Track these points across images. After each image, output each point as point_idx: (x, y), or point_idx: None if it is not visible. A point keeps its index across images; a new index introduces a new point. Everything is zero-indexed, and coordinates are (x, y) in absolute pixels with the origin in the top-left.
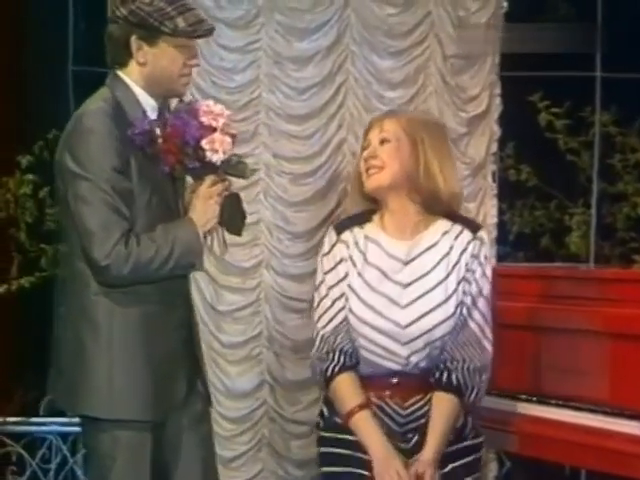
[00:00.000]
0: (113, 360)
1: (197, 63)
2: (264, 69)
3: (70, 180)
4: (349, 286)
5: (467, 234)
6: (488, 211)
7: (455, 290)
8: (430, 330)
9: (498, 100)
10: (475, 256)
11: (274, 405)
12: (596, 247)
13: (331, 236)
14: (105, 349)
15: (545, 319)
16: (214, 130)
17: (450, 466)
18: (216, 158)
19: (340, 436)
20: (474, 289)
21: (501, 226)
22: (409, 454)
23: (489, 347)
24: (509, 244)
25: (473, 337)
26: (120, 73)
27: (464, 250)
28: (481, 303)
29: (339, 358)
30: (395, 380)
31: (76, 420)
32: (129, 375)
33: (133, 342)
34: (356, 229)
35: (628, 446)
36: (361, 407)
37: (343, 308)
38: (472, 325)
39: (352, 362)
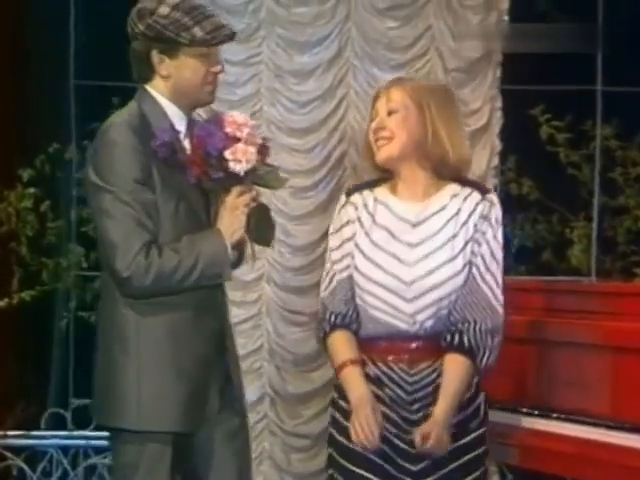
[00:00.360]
0: (141, 372)
1: (221, 69)
2: (265, 82)
3: (93, 193)
4: (356, 245)
5: (476, 195)
6: None
7: (462, 249)
8: (435, 287)
9: (499, 114)
10: (484, 217)
11: (275, 418)
12: (597, 261)
13: (341, 200)
14: (133, 361)
15: (546, 332)
16: (238, 140)
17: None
18: (239, 168)
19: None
20: (485, 250)
21: (502, 239)
22: (415, 425)
23: (500, 309)
24: (510, 257)
25: (484, 299)
26: (147, 87)
27: (473, 211)
28: (493, 265)
29: (334, 318)
30: (403, 344)
31: (77, 434)
32: (157, 387)
33: (160, 354)
34: (366, 192)
35: (629, 459)
36: (352, 362)
37: (343, 270)
38: (483, 287)
39: (346, 322)
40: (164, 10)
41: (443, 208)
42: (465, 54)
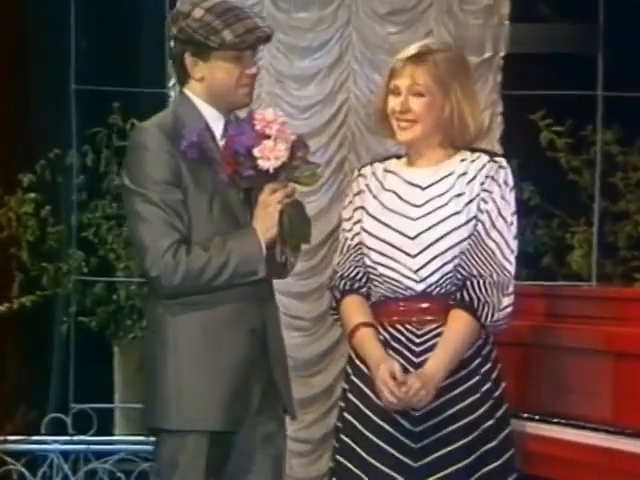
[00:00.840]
0: (179, 372)
1: (255, 72)
2: (265, 87)
3: (126, 196)
4: (363, 208)
5: (484, 158)
6: None
7: (467, 204)
8: (438, 240)
9: (500, 119)
10: (491, 177)
11: None
12: (598, 266)
13: (353, 175)
14: (172, 361)
15: (547, 337)
16: (267, 138)
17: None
18: (268, 165)
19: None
20: (492, 208)
21: None
22: None
23: (508, 266)
24: None
25: (491, 255)
26: (184, 90)
27: (480, 170)
28: (499, 222)
29: (343, 284)
30: (411, 304)
31: (77, 439)
32: (195, 386)
33: (197, 354)
34: (377, 164)
35: (632, 465)
36: (365, 325)
37: (353, 236)
38: (490, 243)
39: (355, 287)
40: (197, 13)
41: (452, 172)
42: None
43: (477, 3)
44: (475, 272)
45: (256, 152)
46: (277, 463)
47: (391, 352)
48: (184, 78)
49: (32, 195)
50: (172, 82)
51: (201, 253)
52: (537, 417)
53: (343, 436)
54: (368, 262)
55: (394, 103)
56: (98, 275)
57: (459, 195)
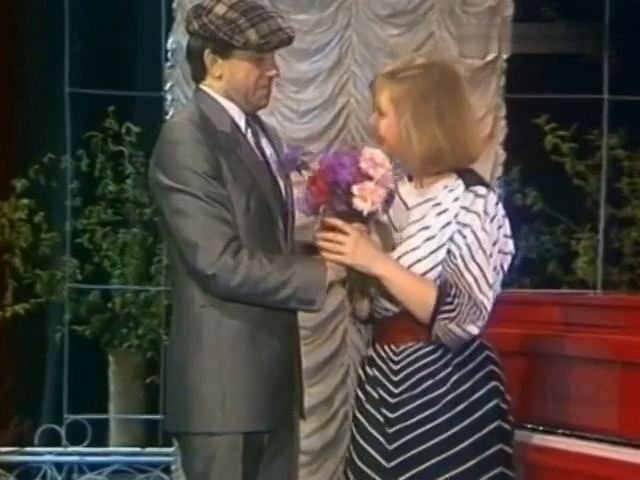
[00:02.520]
0: (222, 373)
1: (276, 74)
2: None
3: (163, 195)
4: None
5: (461, 187)
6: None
7: (435, 235)
8: (410, 266)
9: (503, 123)
10: (466, 208)
11: None
12: (604, 273)
13: None
14: (214, 362)
15: (551, 346)
16: (369, 179)
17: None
18: (363, 207)
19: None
20: (472, 240)
21: None
22: (395, 409)
23: (486, 301)
24: (514, 270)
25: (468, 290)
26: (202, 86)
27: (454, 202)
28: (479, 256)
29: None
30: (389, 323)
31: (71, 450)
32: (240, 386)
33: (242, 353)
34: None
35: (637, 477)
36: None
37: None
38: (468, 277)
39: None
40: (220, 9)
41: (432, 198)
42: (468, 62)
43: (480, 5)
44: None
45: (355, 190)
46: (292, 464)
47: (372, 369)
48: (201, 75)
49: (25, 201)
50: (169, 85)
51: (265, 262)
52: (541, 428)
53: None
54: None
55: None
56: (93, 283)
57: (426, 228)
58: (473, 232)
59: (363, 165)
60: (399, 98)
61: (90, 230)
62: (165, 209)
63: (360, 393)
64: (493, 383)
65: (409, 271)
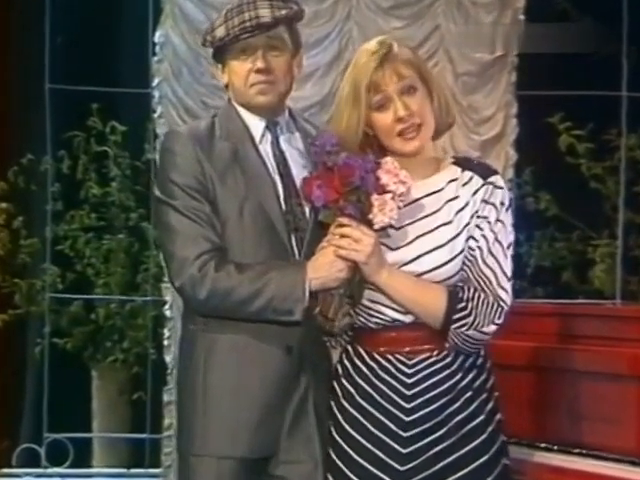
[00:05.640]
0: (206, 393)
1: (260, 67)
2: None
3: (154, 205)
4: None
5: (477, 180)
6: None
7: (453, 238)
8: (421, 275)
9: (514, 121)
10: (486, 201)
11: None
12: (622, 282)
13: None
14: (200, 381)
15: (566, 361)
16: (389, 192)
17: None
18: (378, 220)
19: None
20: (488, 233)
21: (518, 259)
22: (408, 429)
23: (504, 295)
24: (527, 279)
25: (486, 282)
26: (230, 96)
27: (472, 195)
28: (496, 248)
29: None
30: (400, 332)
31: (51, 471)
32: (223, 411)
33: (229, 377)
34: None
35: None
36: None
37: None
38: (486, 270)
39: None
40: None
41: (437, 191)
42: (477, 57)
43: None
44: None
45: (374, 199)
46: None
47: (378, 383)
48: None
49: (3, 205)
50: (156, 81)
51: (233, 273)
52: (556, 447)
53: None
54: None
55: (389, 116)
56: (75, 292)
57: (446, 224)
58: (489, 224)
59: (384, 177)
60: (415, 61)
61: (72, 236)
62: (156, 222)
63: (350, 404)
64: (496, 394)
65: (417, 279)
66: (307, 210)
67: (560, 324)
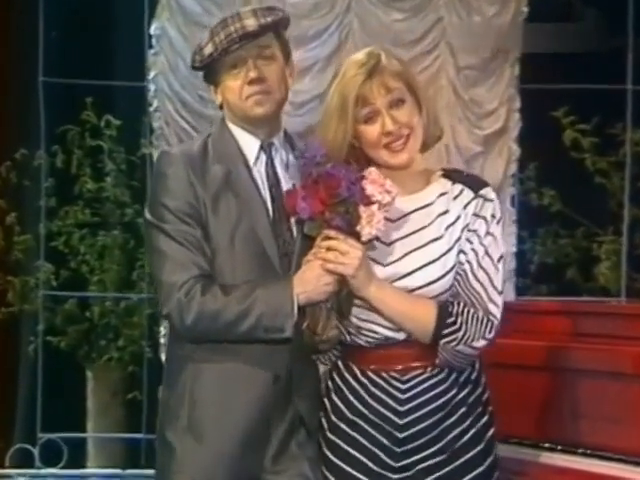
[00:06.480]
0: (190, 423)
1: (253, 77)
2: None
3: (145, 229)
4: None
5: (468, 193)
6: (506, 239)
7: (445, 253)
8: (415, 290)
9: (517, 116)
10: (477, 214)
11: None
12: (628, 279)
13: None
14: (184, 410)
15: (570, 360)
16: (375, 203)
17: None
18: (365, 232)
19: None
20: (478, 246)
21: (521, 256)
22: (402, 444)
23: (494, 309)
24: (530, 276)
25: (476, 296)
26: (224, 116)
27: (463, 209)
28: (486, 262)
29: None
30: (392, 350)
31: (45, 472)
32: (206, 438)
33: (212, 404)
34: None
35: None
36: None
37: None
38: (475, 284)
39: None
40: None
41: (428, 205)
42: (479, 50)
43: None
44: (462, 300)
45: (362, 211)
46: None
47: (370, 400)
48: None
49: None
50: (152, 75)
51: (219, 295)
52: (559, 447)
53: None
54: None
55: (376, 129)
56: (69, 290)
57: (438, 239)
58: (479, 237)
59: (369, 187)
60: (405, 73)
61: (66, 232)
62: (147, 245)
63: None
64: (490, 408)
65: (406, 293)
66: (295, 232)
67: (564, 322)
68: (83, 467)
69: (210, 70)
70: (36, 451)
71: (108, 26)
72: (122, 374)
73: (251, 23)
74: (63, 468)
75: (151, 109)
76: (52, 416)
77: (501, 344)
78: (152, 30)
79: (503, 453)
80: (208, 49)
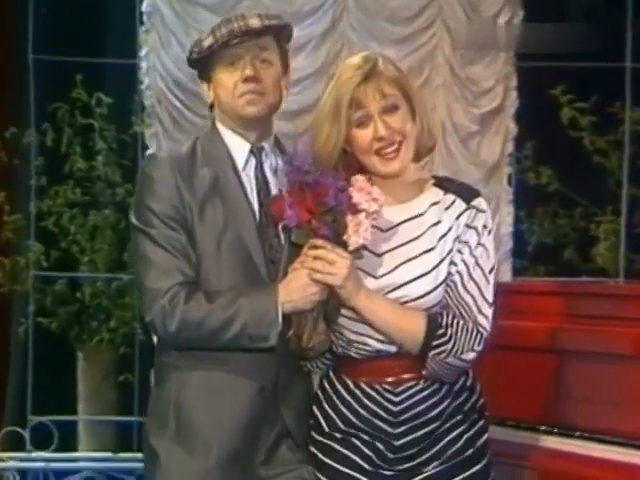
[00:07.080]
0: (175, 427)
1: (248, 74)
2: None
3: (131, 233)
4: None
5: (460, 204)
6: (503, 219)
7: (437, 266)
8: (407, 303)
9: (514, 94)
10: (468, 225)
11: None
12: (626, 260)
13: None
14: (171, 420)
15: (568, 341)
16: (362, 211)
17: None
18: (352, 241)
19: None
20: (468, 258)
21: (518, 236)
22: (398, 452)
23: (484, 322)
24: (527, 257)
25: (466, 308)
26: (214, 117)
27: (455, 220)
28: (477, 274)
29: None
30: (384, 362)
31: (36, 455)
32: (193, 446)
33: (198, 413)
34: None
35: None
36: None
37: None
38: (466, 296)
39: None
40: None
41: (419, 215)
42: (476, 28)
43: None
44: (452, 312)
45: (349, 220)
46: None
47: (364, 412)
48: (211, 106)
49: None
50: (144, 52)
51: (203, 303)
52: (556, 430)
53: None
54: (334, 326)
55: (368, 133)
56: (59, 270)
57: (429, 250)
58: (470, 249)
59: (356, 196)
60: (401, 81)
61: (57, 212)
62: (132, 250)
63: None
64: (486, 414)
65: (396, 304)
66: (282, 240)
67: (562, 303)
68: (74, 450)
69: (206, 65)
70: (27, 434)
71: (99, 2)
72: (114, 356)
73: (255, 22)
74: (54, 451)
75: (142, 87)
76: (42, 399)
77: (498, 325)
78: (144, 7)
79: (500, 436)
80: (208, 41)
